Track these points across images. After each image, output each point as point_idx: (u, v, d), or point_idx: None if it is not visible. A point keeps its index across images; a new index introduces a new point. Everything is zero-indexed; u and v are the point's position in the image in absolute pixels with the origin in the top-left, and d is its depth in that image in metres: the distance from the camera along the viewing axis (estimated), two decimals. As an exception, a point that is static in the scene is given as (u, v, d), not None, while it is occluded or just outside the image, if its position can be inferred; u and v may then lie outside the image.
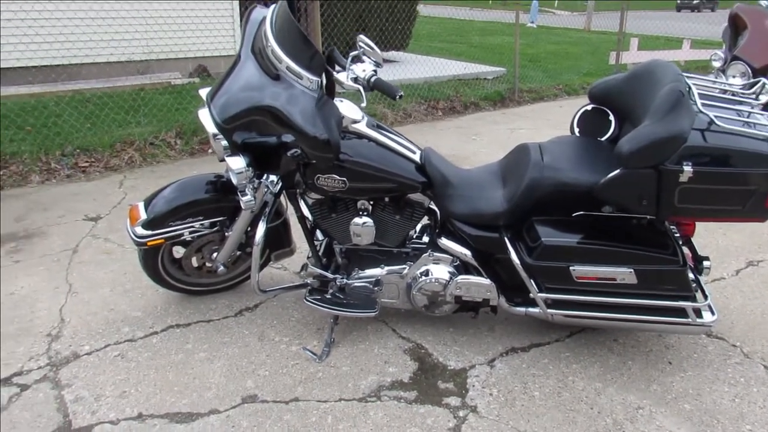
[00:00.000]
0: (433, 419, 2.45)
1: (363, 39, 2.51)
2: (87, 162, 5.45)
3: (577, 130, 2.93)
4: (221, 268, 3.08)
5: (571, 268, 2.53)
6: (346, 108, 2.63)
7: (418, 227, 2.95)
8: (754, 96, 2.60)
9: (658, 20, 20.65)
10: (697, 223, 2.77)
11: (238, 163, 2.51)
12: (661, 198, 2.36)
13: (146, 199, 2.96)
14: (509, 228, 2.67)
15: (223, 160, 2.58)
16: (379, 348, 2.89)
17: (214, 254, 3.07)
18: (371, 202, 2.77)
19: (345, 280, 2.86)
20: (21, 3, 7.07)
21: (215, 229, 2.98)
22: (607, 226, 2.57)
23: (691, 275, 2.55)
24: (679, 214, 2.47)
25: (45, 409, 2.46)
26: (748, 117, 2.44)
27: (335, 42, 8.87)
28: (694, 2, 37.62)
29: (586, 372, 2.75)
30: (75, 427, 2.37)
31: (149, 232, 2.84)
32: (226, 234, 2.98)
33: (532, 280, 2.62)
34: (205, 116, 2.58)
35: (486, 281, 2.74)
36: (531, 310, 2.73)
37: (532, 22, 22.57)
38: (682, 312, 2.56)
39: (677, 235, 2.66)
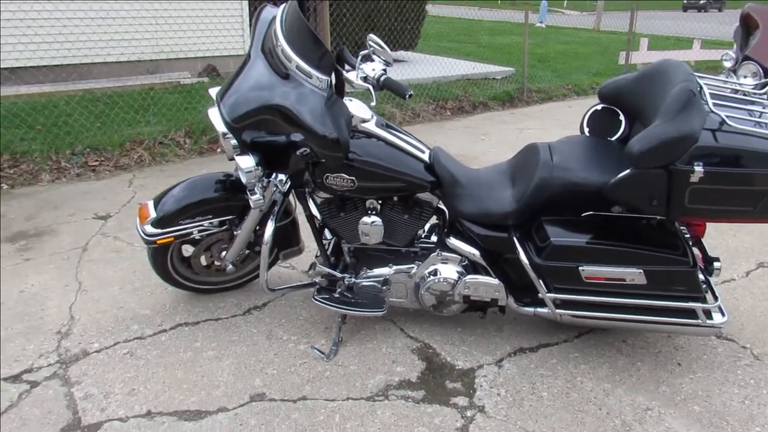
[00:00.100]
0: (441, 419, 2.45)
1: (373, 38, 2.51)
2: (97, 161, 5.48)
3: (586, 129, 2.92)
4: (230, 266, 3.08)
5: (580, 268, 2.52)
6: (356, 107, 2.64)
7: (427, 227, 2.95)
8: (765, 96, 2.58)
9: (665, 20, 20.55)
10: (707, 223, 2.76)
11: (247, 162, 2.52)
12: (672, 198, 2.35)
13: (156, 198, 2.97)
14: (518, 228, 2.66)
15: (232, 159, 2.58)
16: (387, 347, 2.89)
17: (223, 253, 3.08)
18: (380, 202, 2.77)
19: (353, 280, 2.86)
20: (32, 3, 7.11)
21: (224, 227, 2.99)
22: (617, 227, 2.56)
23: (701, 276, 2.53)
24: (690, 215, 2.45)
25: (55, 406, 2.48)
26: (759, 117, 2.42)
27: (344, 41, 8.89)
28: (701, 2, 37.38)
29: (594, 373, 2.74)
30: (84, 424, 2.38)
31: (159, 231, 2.86)
32: (235, 233, 2.98)
33: (540, 280, 2.62)
34: (214, 115, 2.59)
35: (494, 281, 2.74)
36: (539, 310, 2.73)
37: (541, 22, 22.52)
38: (691, 313, 2.55)
39: (687, 235, 2.65)
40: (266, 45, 2.58)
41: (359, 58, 2.57)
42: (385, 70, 2.53)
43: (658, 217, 2.52)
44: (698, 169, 2.26)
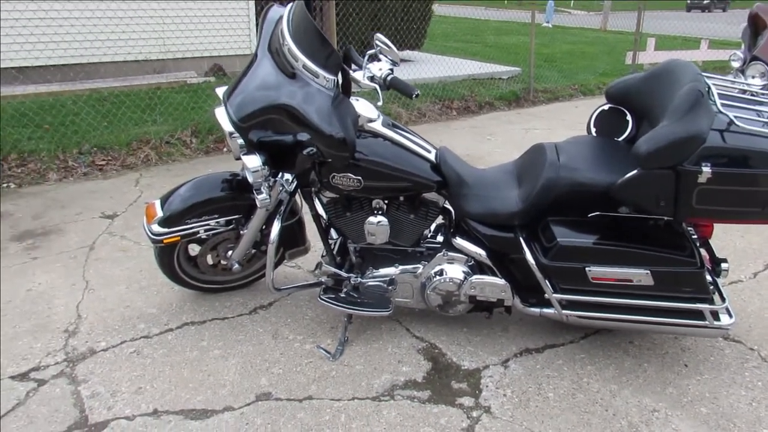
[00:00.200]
0: (447, 419, 2.45)
1: (380, 38, 2.51)
2: (104, 160, 5.50)
3: (593, 130, 2.91)
4: (236, 266, 3.09)
5: (586, 268, 2.52)
6: (362, 107, 2.64)
7: (433, 227, 2.95)
8: (774, 96, 2.57)
9: (670, 20, 20.48)
10: (714, 224, 2.74)
11: (254, 161, 2.52)
12: (679, 199, 2.34)
13: (162, 197, 2.97)
14: (524, 228, 2.65)
15: (239, 158, 2.59)
16: (392, 347, 2.89)
17: (229, 252, 3.09)
18: (386, 201, 2.77)
19: (359, 279, 2.86)
20: (40, 2, 7.14)
21: (230, 227, 3.00)
22: (624, 227, 2.55)
23: (708, 277, 2.52)
24: (697, 216, 2.44)
25: (62, 404, 2.49)
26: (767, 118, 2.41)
27: (350, 41, 8.90)
28: (705, 2, 37.18)
29: (601, 374, 2.73)
30: (91, 423, 2.39)
31: (165, 230, 2.86)
32: (242, 232, 2.99)
33: (547, 281, 2.61)
34: (221, 115, 2.59)
35: (500, 281, 2.73)
36: (546, 310, 2.72)
37: (548, 22, 22.46)
38: (699, 314, 2.54)
39: (695, 236, 2.64)
40: (273, 44, 2.58)
41: (366, 57, 2.57)
42: (391, 69, 2.53)
43: (666, 218, 2.51)
44: (706, 169, 2.25)
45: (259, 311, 3.18)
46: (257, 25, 7.19)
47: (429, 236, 2.93)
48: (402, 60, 2.54)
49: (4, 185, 4.91)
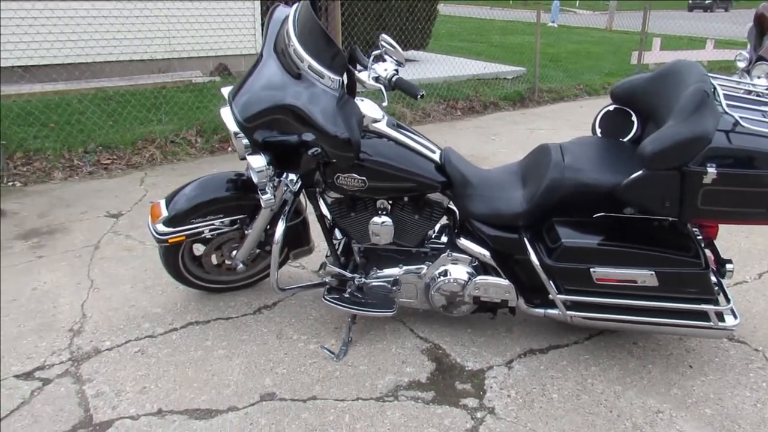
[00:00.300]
0: (451, 420, 2.45)
1: (385, 38, 2.51)
2: (109, 159, 5.51)
3: (599, 130, 2.90)
4: (240, 265, 3.10)
5: (591, 269, 2.51)
6: (367, 107, 2.64)
7: (437, 227, 2.95)
8: (780, 97, 2.56)
9: (674, 20, 20.41)
10: (719, 225, 2.74)
11: (258, 161, 2.52)
12: (684, 200, 2.34)
13: (167, 197, 2.98)
14: (529, 229, 2.65)
15: (244, 158, 2.59)
16: (396, 348, 2.89)
17: (234, 252, 3.09)
18: (390, 202, 2.77)
19: (363, 280, 2.87)
20: (47, 1, 7.16)
21: (235, 227, 3.00)
22: (629, 228, 2.54)
23: (713, 278, 2.52)
24: (702, 217, 2.43)
25: (66, 403, 2.49)
26: (773, 118, 2.40)
27: (355, 41, 8.89)
28: (707, 2, 37.04)
29: (605, 375, 2.73)
30: (96, 422, 2.40)
31: (170, 230, 2.87)
32: (246, 232, 2.99)
33: (551, 282, 2.61)
34: (226, 115, 2.60)
35: (505, 282, 2.73)
36: (550, 311, 2.72)
37: (553, 22, 22.42)
38: (703, 315, 2.53)
39: (699, 237, 2.63)
40: (278, 45, 2.59)
41: (371, 58, 2.57)
42: (397, 70, 2.53)
43: (671, 219, 2.50)
44: (711, 170, 2.24)
45: (264, 311, 3.18)
46: (262, 25, 7.19)
47: (433, 237, 2.93)
48: (407, 60, 2.54)
49: (10, 184, 4.93)
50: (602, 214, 2.56)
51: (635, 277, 2.50)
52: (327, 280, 2.97)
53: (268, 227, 3.01)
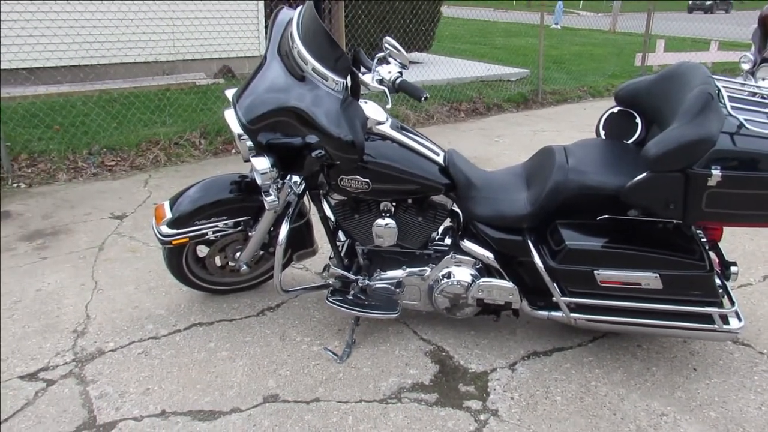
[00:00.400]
0: (454, 422, 2.45)
1: (389, 40, 2.51)
2: (113, 161, 5.53)
3: (603, 132, 2.90)
4: (244, 267, 3.10)
5: (595, 272, 2.51)
6: (371, 109, 2.64)
7: (441, 229, 2.95)
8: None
9: (676, 21, 20.39)
10: (724, 227, 2.73)
11: (262, 163, 2.52)
12: (688, 202, 2.33)
13: (171, 199, 2.99)
14: (533, 231, 2.65)
15: (248, 160, 2.59)
16: (400, 350, 2.89)
17: (238, 254, 3.10)
18: (394, 204, 2.77)
19: (367, 282, 2.87)
20: (51, 3, 7.18)
21: (239, 228, 3.00)
22: (633, 230, 2.54)
23: (717, 281, 2.51)
24: (707, 219, 2.43)
25: (70, 404, 2.50)
26: (778, 121, 2.39)
27: (358, 43, 8.90)
28: (707, 3, 36.97)
29: (609, 377, 2.72)
30: (99, 423, 2.40)
31: (174, 231, 2.87)
32: (250, 234, 3.00)
33: (555, 284, 2.60)
34: (230, 117, 2.60)
35: (508, 284, 2.73)
36: (554, 314, 2.71)
37: (557, 24, 22.41)
38: (708, 318, 2.53)
39: (704, 239, 2.63)
40: (282, 47, 2.59)
41: (375, 60, 2.57)
42: (400, 72, 2.53)
43: (675, 221, 2.50)
44: (716, 172, 2.24)
45: (267, 313, 3.18)
46: (266, 27, 7.20)
47: (437, 239, 2.92)
48: (411, 61, 2.54)
49: (15, 185, 4.94)
50: (606, 216, 2.56)
51: (639, 280, 2.49)
52: (330, 282, 2.97)
53: (272, 229, 3.01)
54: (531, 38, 15.43)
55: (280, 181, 2.69)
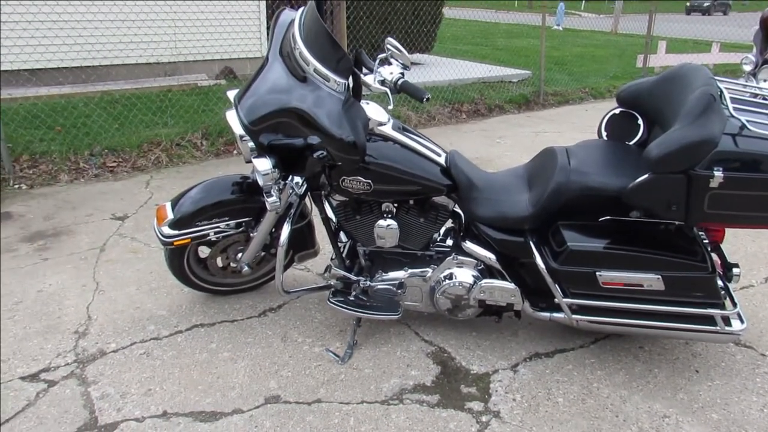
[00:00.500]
0: (456, 423, 2.44)
1: (391, 41, 2.51)
2: (115, 162, 5.53)
3: (605, 133, 2.90)
4: (246, 268, 3.10)
5: (597, 273, 2.51)
6: (373, 110, 2.64)
7: (442, 230, 2.94)
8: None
9: (678, 23, 20.39)
10: (726, 229, 2.73)
11: (264, 164, 2.52)
12: (691, 203, 2.33)
13: (173, 200, 2.99)
14: (534, 232, 2.65)
15: (249, 161, 2.59)
16: (401, 351, 2.89)
17: (239, 255, 3.10)
18: (395, 205, 2.77)
19: (368, 283, 2.86)
20: (53, 5, 7.19)
21: (240, 229, 3.00)
22: (635, 232, 2.54)
23: (720, 282, 2.51)
24: (709, 221, 2.42)
25: (72, 405, 2.50)
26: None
27: (360, 44, 8.90)
28: (705, 5, 36.92)
29: (611, 379, 2.72)
30: (101, 424, 2.40)
31: (176, 232, 2.87)
32: (251, 235, 3.00)
33: (557, 285, 2.60)
34: (232, 118, 2.60)
35: (510, 285, 2.73)
36: (555, 315, 2.71)
37: (558, 25, 22.40)
38: (710, 320, 2.52)
39: (706, 241, 2.62)
40: (284, 48, 2.59)
41: (377, 61, 2.57)
42: (402, 73, 2.53)
43: (677, 223, 2.49)
44: (718, 174, 2.24)
45: (269, 314, 3.18)
46: (268, 28, 7.20)
47: (438, 240, 2.92)
48: (412, 63, 2.53)
49: (16, 186, 4.95)
50: (608, 217, 2.56)
51: (641, 281, 2.49)
52: (332, 283, 2.97)
53: (274, 230, 3.01)
54: (532, 39, 15.44)
55: (282, 182, 2.69)
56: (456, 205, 2.81)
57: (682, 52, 12.56)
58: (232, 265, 3.17)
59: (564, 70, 11.38)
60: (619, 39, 18.82)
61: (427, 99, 2.44)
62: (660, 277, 2.46)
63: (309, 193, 2.82)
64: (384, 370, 2.75)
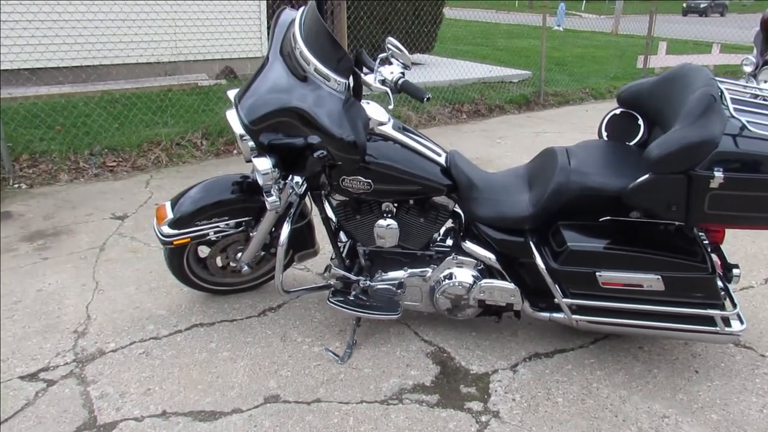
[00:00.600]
0: (455, 423, 2.44)
1: (392, 41, 2.51)
2: (115, 161, 5.53)
3: (605, 134, 2.90)
4: (245, 268, 3.10)
5: (597, 273, 2.51)
6: (373, 110, 2.64)
7: (442, 230, 2.94)
8: (787, 101, 2.55)
9: (672, 24, 20.38)
10: (726, 229, 2.72)
11: (264, 164, 2.52)
12: (691, 204, 2.33)
13: (173, 199, 2.98)
14: (535, 232, 2.64)
15: (249, 161, 2.59)
16: (401, 351, 2.89)
17: (239, 254, 3.10)
18: (396, 205, 2.76)
19: (368, 282, 2.86)
20: (53, 4, 7.19)
21: (240, 229, 3.00)
22: (635, 232, 2.54)
23: (719, 283, 2.51)
24: (709, 221, 2.42)
25: (71, 404, 2.49)
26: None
27: (361, 44, 8.90)
28: (702, 6, 36.88)
29: (610, 379, 2.72)
30: (100, 423, 2.40)
31: (175, 232, 2.87)
32: (251, 234, 2.99)
33: (557, 285, 2.60)
34: (232, 117, 2.60)
35: (510, 285, 2.72)
36: (555, 315, 2.71)
37: (559, 26, 22.39)
38: (710, 320, 2.52)
39: (706, 241, 2.62)
40: (285, 48, 2.59)
41: (377, 61, 2.57)
42: (403, 73, 2.53)
43: (677, 223, 2.49)
44: (718, 174, 2.24)
45: (268, 313, 3.18)
46: (268, 28, 7.20)
47: (438, 240, 2.92)
48: (413, 63, 2.53)
49: (16, 186, 4.94)
50: (608, 217, 2.56)
51: (641, 281, 2.49)
52: (332, 283, 2.97)
53: (273, 230, 3.01)
54: (533, 40, 15.44)
55: (282, 182, 2.69)
56: (456, 205, 2.81)
57: (683, 53, 12.56)
58: (232, 264, 3.17)
59: (564, 70, 11.38)
60: (619, 40, 18.82)
61: (428, 99, 2.44)
62: (660, 277, 2.46)
63: (309, 192, 2.82)
64: (383, 369, 2.75)
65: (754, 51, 6.37)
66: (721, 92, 2.46)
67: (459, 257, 2.78)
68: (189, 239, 2.91)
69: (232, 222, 2.96)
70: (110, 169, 5.42)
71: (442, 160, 2.73)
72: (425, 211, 2.76)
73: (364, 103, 2.65)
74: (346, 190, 2.65)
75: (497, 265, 2.73)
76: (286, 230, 2.73)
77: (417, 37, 10.39)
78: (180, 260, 3.06)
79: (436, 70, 9.14)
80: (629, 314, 2.59)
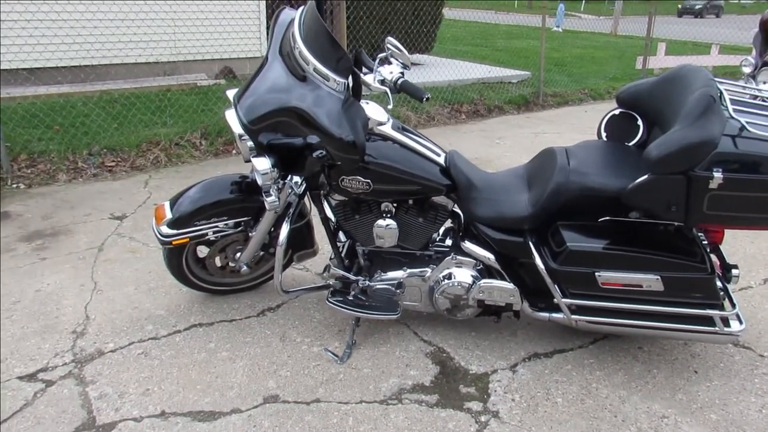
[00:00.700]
0: (455, 423, 2.44)
1: (391, 41, 2.51)
2: (113, 161, 5.52)
3: (604, 134, 2.90)
4: (244, 268, 3.10)
5: (596, 273, 2.50)
6: (372, 110, 2.64)
7: (442, 230, 2.94)
8: (785, 102, 2.55)
9: (669, 25, 20.38)
10: (725, 230, 2.72)
11: (263, 163, 2.52)
12: (690, 204, 2.33)
13: (172, 199, 2.98)
14: (534, 232, 2.64)
15: (248, 160, 2.59)
16: (400, 351, 2.88)
17: (238, 254, 3.09)
18: (395, 205, 2.76)
19: (367, 282, 2.86)
20: (52, 4, 7.18)
21: (239, 229, 3.00)
22: (634, 232, 2.54)
23: (719, 283, 2.51)
24: (708, 221, 2.42)
25: (69, 405, 2.49)
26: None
27: (360, 44, 8.90)
28: (697, 7, 36.86)
29: (610, 379, 2.72)
30: (99, 424, 2.39)
31: (174, 232, 2.87)
32: (250, 234, 2.99)
33: (556, 286, 2.60)
34: (231, 117, 2.60)
35: (509, 285, 2.72)
36: (554, 315, 2.71)
37: (558, 26, 22.40)
38: (709, 320, 2.52)
39: (705, 242, 2.62)
40: (284, 47, 2.59)
41: (377, 61, 2.57)
42: (402, 73, 2.52)
43: (676, 224, 2.49)
44: (717, 175, 2.24)
45: (267, 313, 3.18)
46: (268, 27, 7.19)
47: (438, 240, 2.92)
48: (412, 63, 2.53)
49: (14, 186, 4.94)
50: (607, 218, 2.55)
51: (640, 282, 2.49)
52: (331, 283, 2.97)
53: (272, 229, 3.01)
54: (532, 40, 15.46)
55: (281, 182, 2.68)
56: (455, 205, 2.81)
57: (682, 54, 12.58)
58: (231, 264, 3.17)
59: (563, 71, 11.39)
60: (618, 40, 18.84)
61: (427, 99, 2.44)
62: (659, 277, 2.46)
63: (308, 192, 2.82)
64: (383, 369, 2.75)
65: (753, 52, 6.38)
66: (721, 93, 2.46)
67: (458, 257, 2.78)
68: (188, 239, 2.90)
69: (231, 222, 2.96)
70: (109, 169, 5.41)
71: (441, 160, 2.73)
72: (424, 211, 2.76)
73: (363, 103, 2.65)
74: (345, 190, 2.65)
75: (496, 265, 2.73)
76: (285, 230, 2.72)
77: (416, 38, 10.39)
78: (179, 260, 3.06)
79: (435, 70, 9.14)
80: (628, 314, 2.59)
